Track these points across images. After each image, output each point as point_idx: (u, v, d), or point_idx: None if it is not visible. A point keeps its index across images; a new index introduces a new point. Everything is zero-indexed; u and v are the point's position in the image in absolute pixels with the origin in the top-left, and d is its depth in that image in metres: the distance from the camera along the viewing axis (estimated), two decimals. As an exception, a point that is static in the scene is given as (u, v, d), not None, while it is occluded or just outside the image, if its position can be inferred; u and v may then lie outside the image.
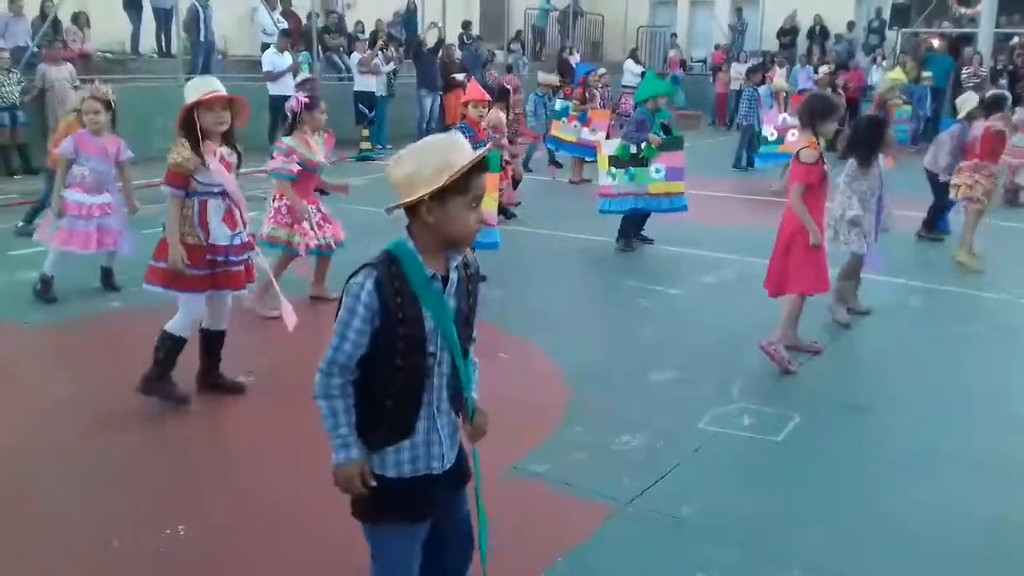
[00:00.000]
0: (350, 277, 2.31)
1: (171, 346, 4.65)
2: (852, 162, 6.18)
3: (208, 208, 4.56)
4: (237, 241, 4.68)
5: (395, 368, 2.30)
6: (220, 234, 4.61)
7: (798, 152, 5.54)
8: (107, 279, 6.88)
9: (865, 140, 6.16)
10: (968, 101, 8.91)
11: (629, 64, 20.61)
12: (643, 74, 15.39)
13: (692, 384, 5.20)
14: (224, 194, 4.61)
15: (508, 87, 12.03)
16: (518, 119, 11.94)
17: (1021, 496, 4.00)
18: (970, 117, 8.61)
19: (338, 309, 2.30)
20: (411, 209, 2.27)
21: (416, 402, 2.36)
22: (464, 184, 2.23)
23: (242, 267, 4.77)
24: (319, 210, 6.34)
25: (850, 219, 6.10)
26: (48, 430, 4.50)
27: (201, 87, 4.52)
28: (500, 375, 5.13)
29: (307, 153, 6.12)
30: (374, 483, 2.35)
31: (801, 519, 3.75)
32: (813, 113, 5.56)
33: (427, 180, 2.21)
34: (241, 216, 4.69)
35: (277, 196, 6.21)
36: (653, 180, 8.42)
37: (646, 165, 8.40)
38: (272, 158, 6.17)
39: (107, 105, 6.41)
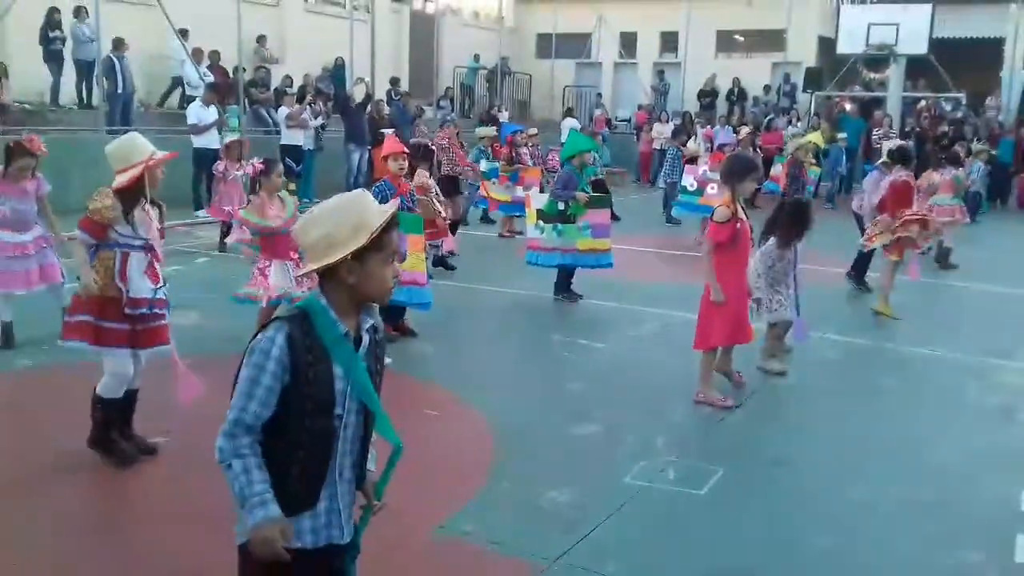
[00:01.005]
0: (257, 332, 2.25)
1: (104, 408, 4.55)
2: (771, 242, 6.36)
3: (130, 261, 4.50)
4: (160, 295, 4.61)
5: (303, 431, 2.22)
6: (142, 287, 4.54)
7: (713, 211, 5.73)
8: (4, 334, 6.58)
9: (788, 224, 6.34)
10: (890, 146, 9.36)
11: (568, 122, 21.11)
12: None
13: (618, 438, 5.22)
14: (146, 248, 4.54)
15: (432, 147, 12.10)
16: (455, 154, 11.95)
17: (932, 544, 4.10)
18: (887, 163, 8.95)
19: (239, 367, 2.22)
20: (327, 270, 2.23)
21: (323, 468, 2.27)
22: (380, 241, 2.22)
23: (163, 322, 4.67)
24: (298, 266, 6.22)
25: (767, 283, 6.32)
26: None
27: (141, 149, 4.50)
28: (427, 433, 5.09)
29: (257, 220, 6.29)
30: (297, 544, 2.24)
31: (724, 574, 3.77)
32: (732, 172, 5.74)
33: (345, 240, 2.19)
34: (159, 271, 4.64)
35: (259, 258, 6.42)
36: (580, 236, 8.55)
37: (573, 221, 8.53)
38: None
39: (35, 157, 6.42)
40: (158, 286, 4.59)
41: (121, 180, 4.44)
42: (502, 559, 3.80)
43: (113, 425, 4.62)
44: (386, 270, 2.27)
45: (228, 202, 9.99)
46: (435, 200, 7.81)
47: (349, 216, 2.22)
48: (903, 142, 9.89)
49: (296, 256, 6.31)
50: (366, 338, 2.31)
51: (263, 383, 2.19)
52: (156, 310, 4.60)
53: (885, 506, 4.47)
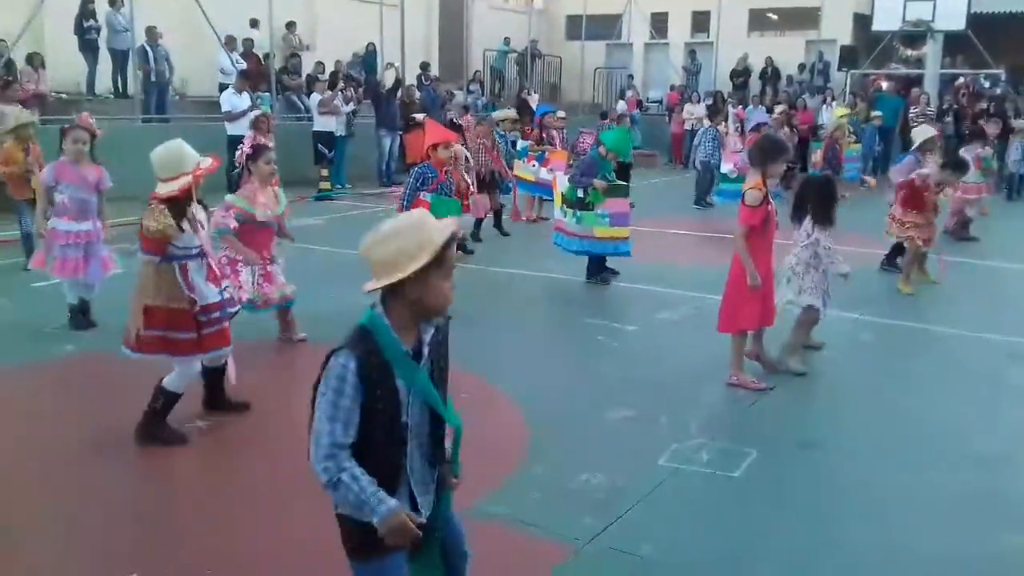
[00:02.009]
0: (329, 357, 2.38)
1: (165, 400, 4.67)
2: (807, 224, 6.02)
3: (189, 270, 4.57)
4: (226, 295, 4.77)
5: (375, 443, 2.37)
6: (209, 292, 4.64)
7: (743, 193, 5.65)
8: (84, 313, 6.79)
9: (819, 202, 6.00)
10: (923, 133, 9.16)
11: (621, 105, 21.40)
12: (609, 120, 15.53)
13: (651, 421, 5.22)
14: (201, 254, 4.62)
15: (460, 123, 12.13)
16: (487, 156, 11.92)
17: (970, 532, 4.06)
18: (923, 149, 8.82)
19: (314, 391, 2.36)
20: (391, 288, 2.36)
21: (397, 470, 2.44)
22: (442, 257, 2.35)
23: (227, 324, 4.81)
24: (265, 267, 6.15)
25: (809, 274, 6.11)
26: (-4, 478, 4.40)
27: (189, 159, 4.52)
28: (460, 415, 5.12)
29: (246, 207, 6.02)
30: (422, 519, 2.44)
31: (758, 556, 3.78)
32: (762, 153, 5.68)
33: (411, 258, 2.31)
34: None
35: (224, 247, 6.09)
36: (598, 224, 8.56)
37: (592, 209, 8.53)
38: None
39: (92, 135, 6.61)
40: (222, 287, 4.71)
41: (170, 189, 4.46)
42: (535, 541, 3.83)
43: (165, 416, 4.72)
44: (446, 284, 2.41)
45: None
46: (464, 173, 7.77)
47: (414, 235, 2.35)
48: (961, 156, 9.59)
49: (268, 257, 6.15)
50: (426, 350, 2.46)
51: (343, 405, 2.34)
52: (228, 310, 4.76)
53: (922, 490, 4.44)
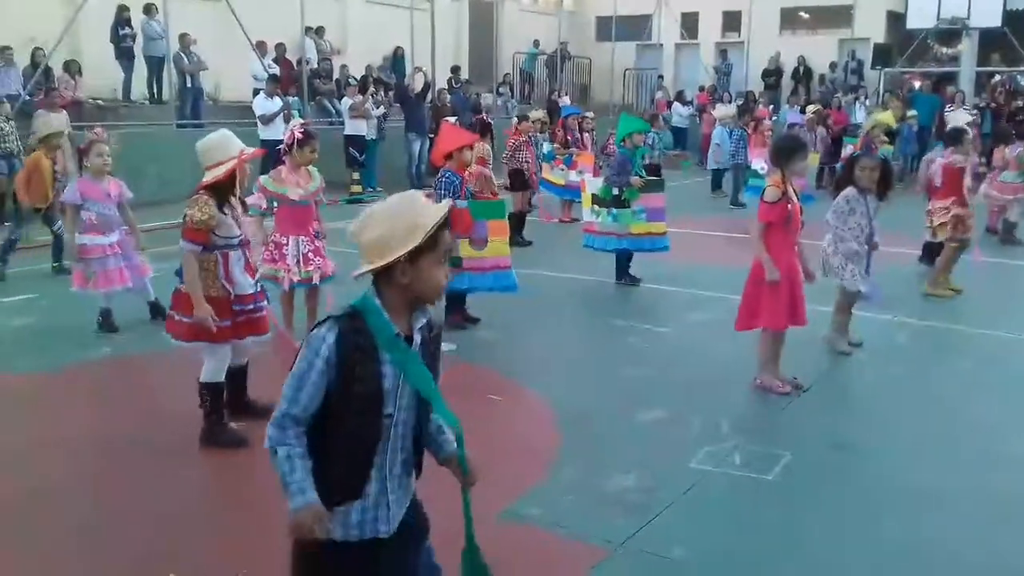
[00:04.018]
0: (312, 328, 2.32)
1: (211, 394, 4.72)
2: (846, 192, 6.34)
3: (230, 260, 4.64)
4: (260, 288, 4.82)
5: (349, 427, 2.29)
6: (245, 283, 4.71)
7: (763, 191, 5.67)
8: (106, 320, 6.91)
9: (846, 176, 6.41)
10: (956, 119, 9.09)
11: (676, 107, 21.81)
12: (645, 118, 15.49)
13: (683, 423, 5.20)
14: (241, 244, 4.69)
15: (489, 120, 12.19)
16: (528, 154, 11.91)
17: (1008, 536, 4.00)
18: (952, 143, 8.71)
19: (293, 360, 2.30)
20: (382, 271, 2.28)
21: (367, 466, 2.33)
22: (434, 241, 2.27)
23: (264, 312, 4.86)
24: (312, 242, 6.24)
25: (843, 253, 6.28)
26: (37, 475, 4.48)
27: (234, 145, 4.61)
28: (491, 418, 5.14)
29: (277, 188, 6.13)
30: (331, 527, 2.31)
31: (791, 560, 3.75)
32: (781, 152, 5.67)
33: (400, 242, 2.23)
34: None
35: (271, 234, 6.31)
36: (634, 221, 8.54)
37: (628, 206, 8.51)
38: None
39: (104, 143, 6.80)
40: (257, 279, 4.77)
41: (216, 174, 4.54)
42: (567, 543, 3.83)
43: (221, 412, 4.77)
44: (439, 270, 2.32)
45: None
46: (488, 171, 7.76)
47: (404, 217, 2.26)
48: (960, 124, 9.54)
49: (314, 233, 6.25)
50: (418, 337, 2.35)
51: (311, 378, 2.26)
52: (260, 303, 4.80)
53: (957, 492, 4.38)
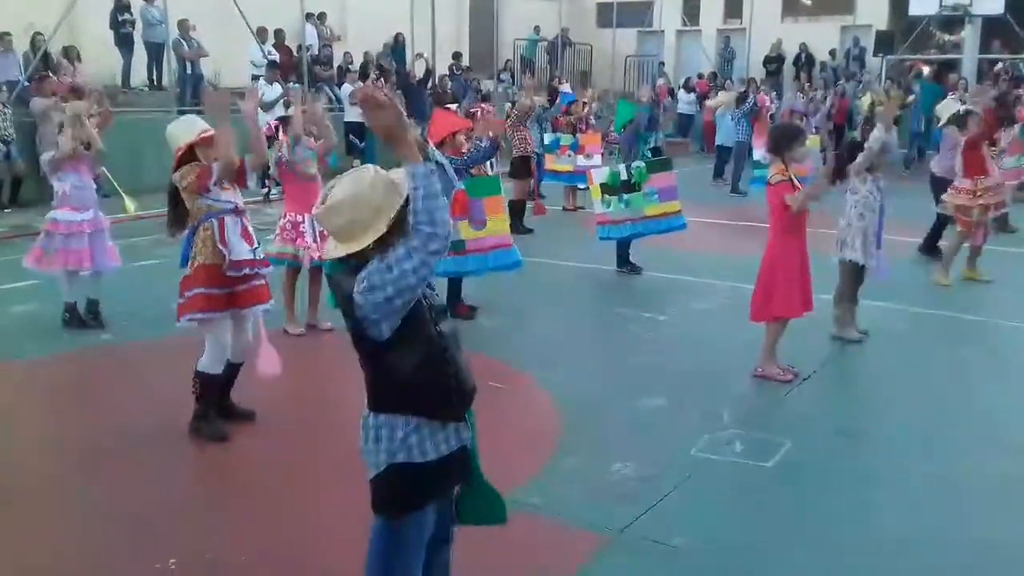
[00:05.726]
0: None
1: (205, 384, 4.71)
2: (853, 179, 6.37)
3: (226, 225, 4.65)
4: (259, 255, 4.80)
5: (435, 336, 2.44)
6: (241, 249, 4.69)
7: (769, 179, 5.65)
8: (93, 312, 6.71)
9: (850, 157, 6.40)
10: (947, 107, 9.09)
11: (681, 95, 21.83)
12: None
13: (683, 411, 5.21)
14: (237, 211, 4.70)
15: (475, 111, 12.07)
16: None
17: (1009, 520, 4.01)
18: (955, 124, 8.74)
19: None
20: (356, 253, 2.37)
21: (450, 375, 2.49)
22: (400, 218, 2.35)
23: (263, 282, 4.85)
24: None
25: (856, 228, 6.31)
26: (36, 465, 4.49)
27: (194, 128, 4.70)
28: (492, 406, 5.12)
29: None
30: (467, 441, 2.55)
31: (792, 546, 3.76)
32: (778, 140, 5.65)
33: (368, 227, 2.33)
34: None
35: (282, 214, 6.39)
36: (648, 203, 8.48)
37: (638, 189, 8.47)
38: None
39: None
40: (255, 247, 4.76)
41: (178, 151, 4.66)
42: (569, 531, 3.84)
43: (214, 402, 4.77)
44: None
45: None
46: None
47: (368, 201, 2.34)
48: (967, 107, 9.51)
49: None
50: None
51: None
52: (257, 270, 4.77)
53: (959, 479, 4.39)
